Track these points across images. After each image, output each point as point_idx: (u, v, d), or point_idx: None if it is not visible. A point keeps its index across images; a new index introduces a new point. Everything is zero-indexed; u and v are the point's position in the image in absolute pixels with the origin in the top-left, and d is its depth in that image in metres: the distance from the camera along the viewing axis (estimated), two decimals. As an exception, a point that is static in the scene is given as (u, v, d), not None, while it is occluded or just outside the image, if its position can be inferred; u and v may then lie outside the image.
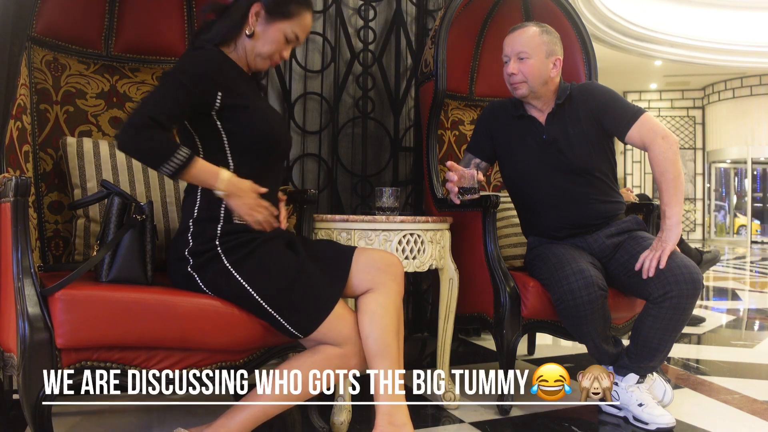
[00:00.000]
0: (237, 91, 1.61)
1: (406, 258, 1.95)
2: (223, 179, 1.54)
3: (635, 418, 1.91)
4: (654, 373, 2.01)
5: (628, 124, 2.02)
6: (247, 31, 1.65)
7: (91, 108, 2.08)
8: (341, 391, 1.89)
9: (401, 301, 1.66)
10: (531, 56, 2.04)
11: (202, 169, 1.53)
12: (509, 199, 2.41)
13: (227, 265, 1.53)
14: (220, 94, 1.58)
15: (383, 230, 1.92)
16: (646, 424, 1.88)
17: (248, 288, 1.51)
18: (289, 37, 1.67)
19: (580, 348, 3.02)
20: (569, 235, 2.09)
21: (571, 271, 1.90)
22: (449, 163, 1.98)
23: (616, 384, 1.97)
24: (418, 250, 1.98)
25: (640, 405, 1.91)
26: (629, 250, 2.01)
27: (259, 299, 1.51)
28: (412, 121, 3.09)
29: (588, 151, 2.07)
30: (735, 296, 5.28)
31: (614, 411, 1.99)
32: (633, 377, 1.94)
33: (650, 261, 1.89)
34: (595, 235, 2.07)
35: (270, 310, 1.51)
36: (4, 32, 1.74)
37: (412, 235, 1.96)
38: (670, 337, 1.91)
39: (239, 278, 1.52)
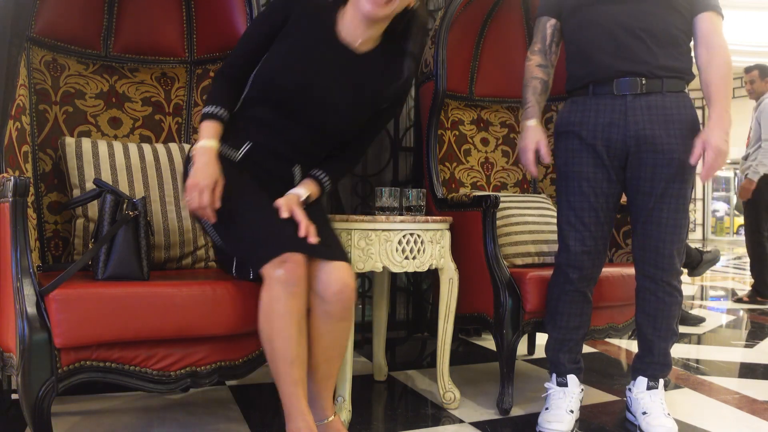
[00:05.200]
0: (298, 24, 1.68)
1: (406, 258, 1.95)
2: (197, 146, 1.63)
3: (640, 429, 1.86)
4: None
5: (703, 5, 1.81)
6: None
7: (90, 108, 2.08)
8: (341, 391, 1.89)
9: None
10: None
11: (203, 128, 1.66)
12: (509, 199, 2.41)
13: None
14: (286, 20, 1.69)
15: (383, 230, 1.92)
16: None
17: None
18: None
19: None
20: (609, 81, 1.83)
21: (567, 246, 1.88)
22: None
23: (629, 390, 1.95)
24: (418, 250, 1.97)
25: (644, 413, 1.86)
26: (641, 176, 1.83)
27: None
28: (412, 121, 3.09)
29: None
30: (735, 296, 5.27)
31: (632, 418, 1.95)
32: (642, 381, 1.90)
33: (706, 171, 1.72)
34: (638, 101, 1.80)
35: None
36: (3, 33, 1.74)
37: (412, 235, 1.95)
38: (657, 334, 1.88)
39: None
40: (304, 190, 1.70)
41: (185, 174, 1.65)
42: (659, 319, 1.87)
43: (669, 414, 1.86)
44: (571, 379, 1.93)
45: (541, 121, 1.98)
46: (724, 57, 1.79)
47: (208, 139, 1.63)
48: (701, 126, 1.79)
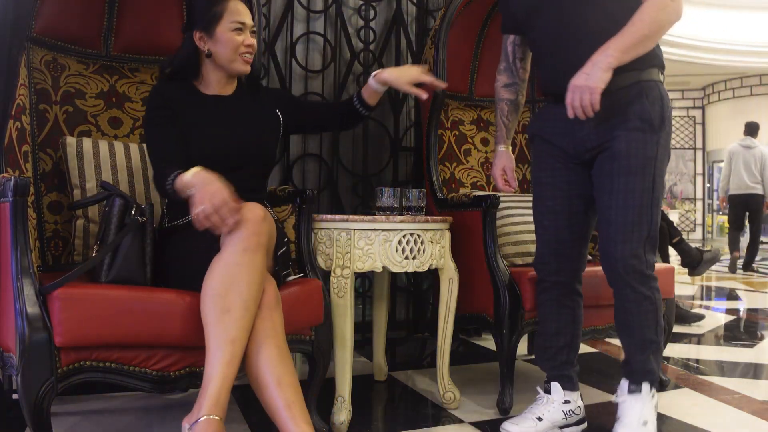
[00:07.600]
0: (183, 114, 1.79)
1: (406, 258, 1.95)
2: (191, 171, 1.53)
3: None
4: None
5: None
6: (206, 54, 1.82)
7: (90, 108, 2.08)
8: (341, 391, 1.89)
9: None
10: None
11: (182, 176, 1.55)
12: (509, 199, 2.41)
13: None
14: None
15: (383, 230, 1.92)
16: None
17: None
18: (235, 28, 1.81)
19: (580, 348, 3.02)
20: (557, 96, 1.75)
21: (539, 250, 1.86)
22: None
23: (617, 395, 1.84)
24: (418, 250, 1.97)
25: (617, 419, 1.73)
26: (597, 175, 1.74)
27: None
28: (412, 121, 3.09)
29: None
30: (735, 296, 5.28)
31: None
32: (624, 384, 1.76)
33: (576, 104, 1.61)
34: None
35: None
36: (3, 32, 1.74)
37: (412, 235, 1.95)
38: (626, 338, 1.77)
39: None
40: None
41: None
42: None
43: (646, 423, 1.70)
44: (554, 386, 1.88)
45: (509, 144, 2.05)
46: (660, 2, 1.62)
47: (196, 170, 1.54)
48: (651, 116, 1.69)
